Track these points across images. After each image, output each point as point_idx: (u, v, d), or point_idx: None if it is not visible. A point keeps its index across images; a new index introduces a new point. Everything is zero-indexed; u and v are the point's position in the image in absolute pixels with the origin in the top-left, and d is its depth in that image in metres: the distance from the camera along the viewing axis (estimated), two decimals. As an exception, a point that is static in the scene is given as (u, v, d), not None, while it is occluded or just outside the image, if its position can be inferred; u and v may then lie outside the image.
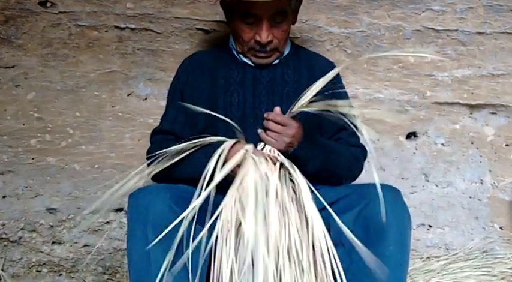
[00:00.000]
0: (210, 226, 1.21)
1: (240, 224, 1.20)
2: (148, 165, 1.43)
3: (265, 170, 1.25)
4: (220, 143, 1.33)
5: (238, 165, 1.28)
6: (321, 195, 1.35)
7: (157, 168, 1.33)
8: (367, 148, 1.59)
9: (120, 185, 1.29)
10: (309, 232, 1.21)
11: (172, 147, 1.34)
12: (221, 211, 1.22)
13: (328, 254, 1.18)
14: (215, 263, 1.19)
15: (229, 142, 1.33)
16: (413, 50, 1.95)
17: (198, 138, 1.37)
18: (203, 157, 1.30)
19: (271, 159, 1.31)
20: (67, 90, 1.91)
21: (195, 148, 1.35)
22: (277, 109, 1.37)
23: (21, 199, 1.92)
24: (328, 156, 1.43)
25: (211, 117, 1.49)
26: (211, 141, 1.36)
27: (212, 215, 1.21)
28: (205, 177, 1.22)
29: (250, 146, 1.32)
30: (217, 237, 1.20)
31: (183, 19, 1.91)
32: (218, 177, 1.23)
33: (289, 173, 1.30)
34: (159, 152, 1.35)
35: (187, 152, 1.35)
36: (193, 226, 1.19)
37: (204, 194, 1.20)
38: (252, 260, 1.16)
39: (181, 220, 1.21)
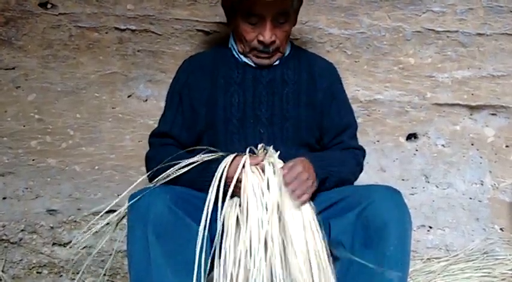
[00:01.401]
0: (210, 228, 1.22)
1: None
2: (147, 171, 1.43)
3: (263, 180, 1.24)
4: (221, 158, 1.32)
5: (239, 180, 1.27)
6: (322, 196, 1.36)
7: (159, 181, 1.33)
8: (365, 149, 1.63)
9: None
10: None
11: (173, 168, 1.32)
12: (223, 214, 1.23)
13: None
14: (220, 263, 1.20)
15: (229, 158, 1.31)
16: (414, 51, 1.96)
17: (199, 150, 1.36)
18: (207, 174, 1.30)
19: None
20: (67, 91, 1.92)
21: (197, 162, 1.33)
22: (280, 167, 1.28)
23: (22, 200, 1.92)
24: (339, 173, 1.43)
25: (211, 118, 1.50)
26: (212, 158, 1.34)
27: (212, 217, 1.21)
28: (210, 192, 1.24)
29: (246, 158, 1.29)
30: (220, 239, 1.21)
31: (183, 20, 1.91)
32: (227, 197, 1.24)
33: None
34: (161, 169, 1.33)
35: (189, 167, 1.33)
36: (207, 231, 1.20)
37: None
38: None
39: (181, 221, 1.22)
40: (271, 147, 1.35)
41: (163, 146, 1.51)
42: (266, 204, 1.20)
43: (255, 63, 1.53)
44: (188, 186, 1.33)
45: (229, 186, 1.25)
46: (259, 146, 1.37)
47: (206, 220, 1.20)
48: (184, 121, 1.53)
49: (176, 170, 1.31)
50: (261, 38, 1.46)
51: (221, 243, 1.21)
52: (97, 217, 1.35)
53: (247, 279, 1.16)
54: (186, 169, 1.31)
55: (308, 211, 1.26)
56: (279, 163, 1.29)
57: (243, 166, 1.26)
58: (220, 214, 1.23)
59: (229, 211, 1.25)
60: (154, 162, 1.38)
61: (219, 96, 1.51)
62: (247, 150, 1.33)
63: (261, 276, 1.15)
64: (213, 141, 1.47)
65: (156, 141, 1.55)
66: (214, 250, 1.21)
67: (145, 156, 1.53)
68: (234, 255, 1.19)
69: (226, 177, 1.27)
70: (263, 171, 1.25)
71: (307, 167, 1.31)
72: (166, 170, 1.31)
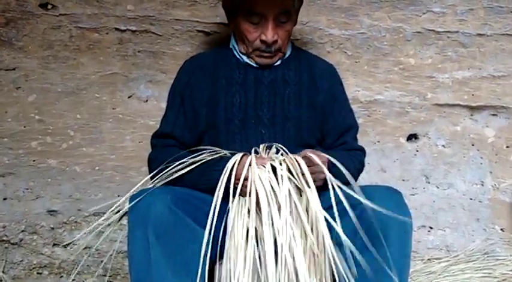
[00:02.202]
0: (210, 229, 1.22)
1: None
2: (150, 172, 1.43)
3: (270, 178, 1.25)
4: (227, 157, 1.33)
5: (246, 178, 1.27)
6: (322, 197, 1.36)
7: (162, 180, 1.33)
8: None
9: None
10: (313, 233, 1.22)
11: (178, 165, 1.33)
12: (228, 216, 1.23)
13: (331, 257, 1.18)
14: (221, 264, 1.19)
15: (237, 156, 1.31)
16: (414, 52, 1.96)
17: (202, 150, 1.37)
18: (212, 172, 1.30)
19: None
20: (68, 92, 1.92)
21: (202, 161, 1.34)
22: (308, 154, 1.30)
23: (22, 201, 1.92)
24: (343, 175, 1.42)
25: (212, 118, 1.50)
26: (215, 157, 1.35)
27: (213, 217, 1.21)
28: (217, 190, 1.23)
29: (252, 157, 1.29)
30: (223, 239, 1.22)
31: (183, 21, 1.92)
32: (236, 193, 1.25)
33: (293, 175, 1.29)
34: (163, 169, 1.34)
35: (194, 165, 1.34)
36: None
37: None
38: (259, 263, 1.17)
39: (182, 221, 1.22)
40: (274, 145, 1.36)
41: (165, 147, 1.51)
42: (277, 199, 1.20)
43: (256, 63, 1.53)
44: (191, 186, 1.33)
45: (236, 185, 1.25)
46: (261, 146, 1.37)
47: (212, 220, 1.20)
48: (186, 122, 1.53)
49: (179, 170, 1.32)
50: (263, 38, 1.46)
51: (224, 243, 1.22)
52: (101, 218, 1.35)
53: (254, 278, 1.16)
54: (189, 168, 1.32)
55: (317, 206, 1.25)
56: (285, 155, 1.29)
57: (250, 164, 1.27)
58: (227, 214, 1.23)
59: (235, 211, 1.25)
60: (157, 163, 1.38)
61: (221, 97, 1.51)
62: (253, 150, 1.34)
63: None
64: (214, 141, 1.47)
65: (159, 142, 1.55)
66: (216, 250, 1.21)
67: (148, 157, 1.53)
68: (243, 255, 1.19)
69: (235, 176, 1.26)
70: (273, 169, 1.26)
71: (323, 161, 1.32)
72: (170, 171, 1.32)
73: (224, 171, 1.27)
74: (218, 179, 1.25)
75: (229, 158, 1.31)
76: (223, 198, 1.24)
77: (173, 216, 1.21)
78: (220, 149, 1.38)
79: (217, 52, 1.63)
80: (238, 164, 1.29)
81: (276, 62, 1.54)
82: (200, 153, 1.35)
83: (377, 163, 1.99)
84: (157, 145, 1.54)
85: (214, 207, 1.21)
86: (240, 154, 1.32)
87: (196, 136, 1.52)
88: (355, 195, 1.19)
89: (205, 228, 1.20)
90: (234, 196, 1.25)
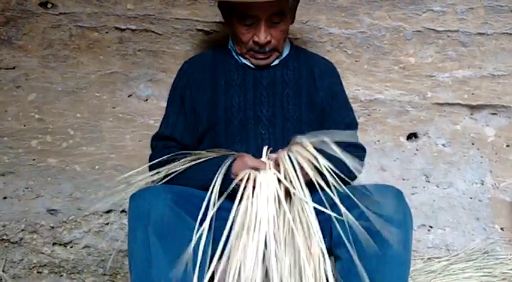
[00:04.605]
0: (210, 227, 1.22)
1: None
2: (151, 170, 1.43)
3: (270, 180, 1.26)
4: (225, 156, 1.34)
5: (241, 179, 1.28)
6: (323, 196, 1.35)
7: (161, 175, 1.34)
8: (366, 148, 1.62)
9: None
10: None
11: (176, 165, 1.35)
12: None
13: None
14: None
15: (232, 157, 1.34)
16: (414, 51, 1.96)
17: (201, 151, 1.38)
18: (209, 171, 1.31)
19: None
20: (68, 91, 1.92)
21: (200, 160, 1.36)
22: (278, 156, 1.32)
23: (22, 200, 1.92)
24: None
25: (212, 120, 1.50)
26: (215, 155, 1.36)
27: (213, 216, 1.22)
28: (212, 189, 1.26)
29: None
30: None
31: (183, 20, 1.91)
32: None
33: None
34: (162, 166, 1.36)
35: (192, 163, 1.35)
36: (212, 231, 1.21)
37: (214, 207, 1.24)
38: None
39: (182, 220, 1.22)
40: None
41: (166, 149, 1.51)
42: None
43: (253, 64, 1.54)
44: (188, 185, 1.33)
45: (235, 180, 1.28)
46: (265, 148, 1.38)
47: (211, 219, 1.21)
48: (186, 123, 1.53)
49: (177, 169, 1.32)
50: (256, 39, 1.47)
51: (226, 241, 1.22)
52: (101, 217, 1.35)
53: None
54: (185, 167, 1.32)
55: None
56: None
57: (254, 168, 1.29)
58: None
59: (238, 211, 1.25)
60: (157, 165, 1.38)
61: (220, 98, 1.51)
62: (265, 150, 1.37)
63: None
64: (214, 142, 1.48)
65: (159, 144, 1.55)
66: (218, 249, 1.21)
67: (148, 159, 1.52)
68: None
69: (232, 174, 1.29)
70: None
71: None
72: (170, 171, 1.32)
73: (219, 171, 1.28)
74: (211, 179, 1.27)
75: (223, 157, 1.33)
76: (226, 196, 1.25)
77: (174, 215, 1.21)
78: (219, 149, 1.39)
79: (215, 53, 1.63)
80: (237, 163, 1.31)
81: (273, 62, 1.54)
82: (199, 153, 1.36)
83: (377, 162, 1.99)
84: (158, 147, 1.54)
85: (208, 204, 1.23)
86: (232, 157, 1.33)
87: (196, 137, 1.52)
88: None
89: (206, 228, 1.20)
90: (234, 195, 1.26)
